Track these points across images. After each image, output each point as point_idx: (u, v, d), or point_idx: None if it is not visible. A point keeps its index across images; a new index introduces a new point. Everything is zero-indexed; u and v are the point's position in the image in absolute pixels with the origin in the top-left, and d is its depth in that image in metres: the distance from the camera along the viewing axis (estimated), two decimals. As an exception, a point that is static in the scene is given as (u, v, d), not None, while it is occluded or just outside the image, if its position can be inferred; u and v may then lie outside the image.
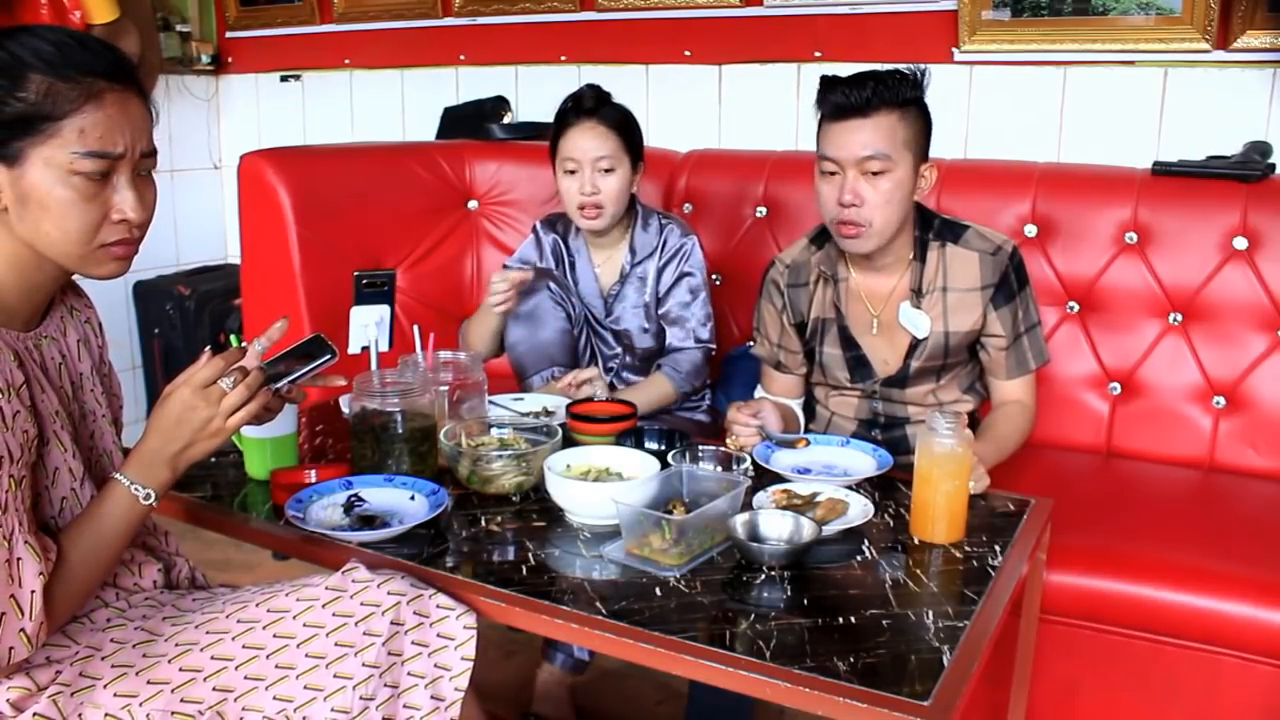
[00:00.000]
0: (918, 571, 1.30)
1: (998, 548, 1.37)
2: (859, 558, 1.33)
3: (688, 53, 2.83)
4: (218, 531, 1.50)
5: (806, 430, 1.93)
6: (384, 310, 2.00)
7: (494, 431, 1.62)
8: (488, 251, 2.69)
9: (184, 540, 1.44)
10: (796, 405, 1.95)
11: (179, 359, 3.29)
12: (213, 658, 1.17)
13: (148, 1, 2.47)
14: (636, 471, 1.48)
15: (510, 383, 2.14)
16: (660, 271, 2.10)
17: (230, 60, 3.70)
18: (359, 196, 2.53)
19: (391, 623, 1.17)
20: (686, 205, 2.54)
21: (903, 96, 1.64)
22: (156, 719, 1.13)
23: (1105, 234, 2.15)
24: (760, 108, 2.76)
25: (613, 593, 1.23)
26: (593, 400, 1.82)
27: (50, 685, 1.13)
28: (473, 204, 2.72)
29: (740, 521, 1.31)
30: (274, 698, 1.14)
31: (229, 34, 3.66)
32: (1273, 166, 2.13)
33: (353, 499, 1.44)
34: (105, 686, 1.15)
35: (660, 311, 2.11)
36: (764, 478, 1.53)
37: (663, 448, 1.60)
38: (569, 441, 1.63)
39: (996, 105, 2.48)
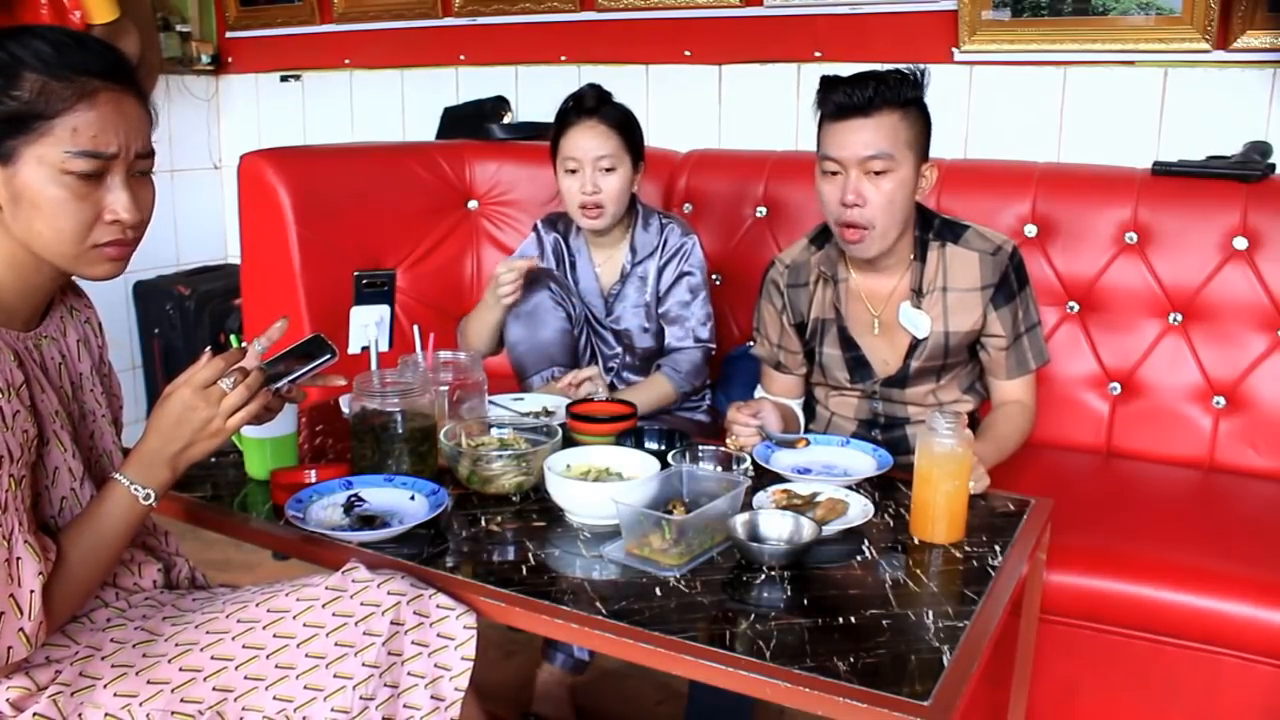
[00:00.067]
0: (918, 571, 1.30)
1: (998, 548, 1.37)
2: (859, 558, 1.33)
3: (688, 53, 2.83)
4: (218, 531, 1.50)
5: (806, 430, 1.93)
6: (384, 310, 2.00)
7: (494, 431, 1.62)
8: (488, 251, 2.69)
9: (184, 540, 1.44)
10: (796, 405, 1.95)
11: (179, 359, 3.29)
12: (213, 657, 1.17)
13: (148, 1, 2.47)
14: (636, 471, 1.48)
15: (510, 383, 2.14)
16: (661, 271, 2.10)
17: (230, 60, 3.70)
18: (359, 196, 2.53)
19: (391, 623, 1.17)
20: (686, 205, 2.54)
21: (904, 96, 1.64)
22: (157, 719, 1.13)
23: (1105, 234, 2.15)
24: (760, 108, 2.76)
25: (613, 593, 1.23)
26: (593, 400, 1.82)
27: (50, 685, 1.13)
28: (473, 204, 2.72)
29: (740, 521, 1.31)
30: (274, 698, 1.14)
31: (229, 34, 3.66)
32: (1273, 166, 2.13)
33: (353, 499, 1.44)
34: (105, 686, 1.15)
35: (660, 311, 2.11)
36: (764, 478, 1.53)
37: (663, 448, 1.60)
38: (569, 441, 1.63)
39: (996, 105, 2.48)
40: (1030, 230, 2.20)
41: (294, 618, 1.18)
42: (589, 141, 1.99)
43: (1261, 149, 2.15)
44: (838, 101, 1.64)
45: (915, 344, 1.78)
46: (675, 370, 2.07)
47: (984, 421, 1.82)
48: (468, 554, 1.34)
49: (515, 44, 3.08)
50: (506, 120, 2.99)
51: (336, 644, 1.16)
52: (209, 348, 1.24)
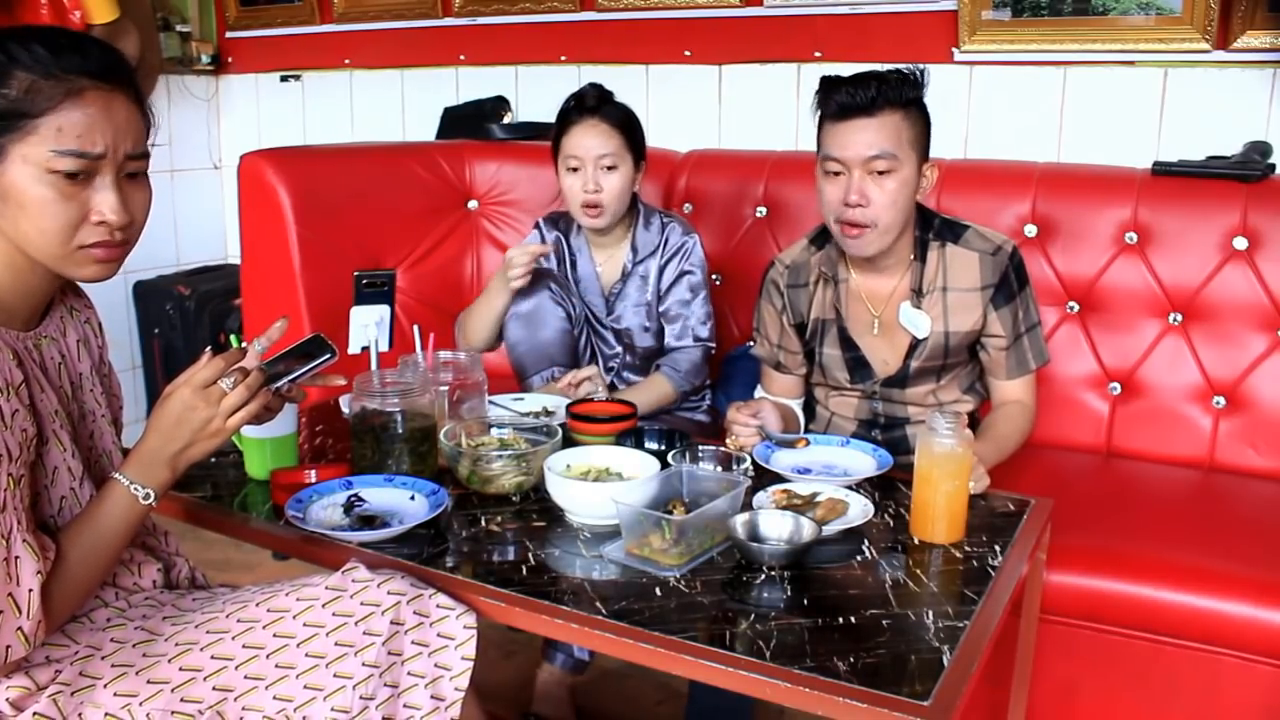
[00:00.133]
0: (918, 571, 1.30)
1: (998, 548, 1.37)
2: (859, 558, 1.33)
3: (688, 53, 2.83)
4: (218, 531, 1.50)
5: (806, 430, 1.93)
6: (384, 310, 2.00)
7: (494, 431, 1.62)
8: (488, 251, 2.69)
9: (184, 540, 1.44)
10: (796, 405, 1.95)
11: (179, 359, 3.29)
12: (213, 657, 1.17)
13: (148, 2, 2.47)
14: (636, 471, 1.48)
15: (510, 383, 2.14)
16: (661, 270, 2.10)
17: (230, 60, 3.70)
18: (359, 196, 2.53)
19: (391, 622, 1.17)
20: (686, 205, 2.54)
21: (906, 96, 1.64)
22: (157, 718, 1.13)
23: (1105, 234, 2.15)
24: (760, 108, 2.76)
25: (613, 593, 1.23)
26: (593, 400, 1.82)
27: (50, 685, 1.13)
28: (473, 204, 2.72)
29: (740, 521, 1.31)
30: (274, 697, 1.14)
31: (229, 34, 3.66)
32: (1273, 166, 2.13)
33: (353, 499, 1.44)
34: (105, 686, 1.15)
35: (660, 310, 2.11)
36: (764, 478, 1.53)
37: (663, 448, 1.60)
38: (569, 441, 1.63)
39: (996, 105, 2.48)
40: (1030, 230, 2.20)
41: (294, 617, 1.18)
42: (591, 140, 1.99)
43: (1261, 149, 2.15)
44: (840, 101, 1.64)
45: (915, 344, 1.78)
46: (675, 370, 2.07)
47: (984, 421, 1.82)
48: (468, 554, 1.34)
49: (515, 44, 3.08)
50: (506, 120, 2.99)
51: (336, 644, 1.16)
52: (209, 348, 1.24)
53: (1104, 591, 1.63)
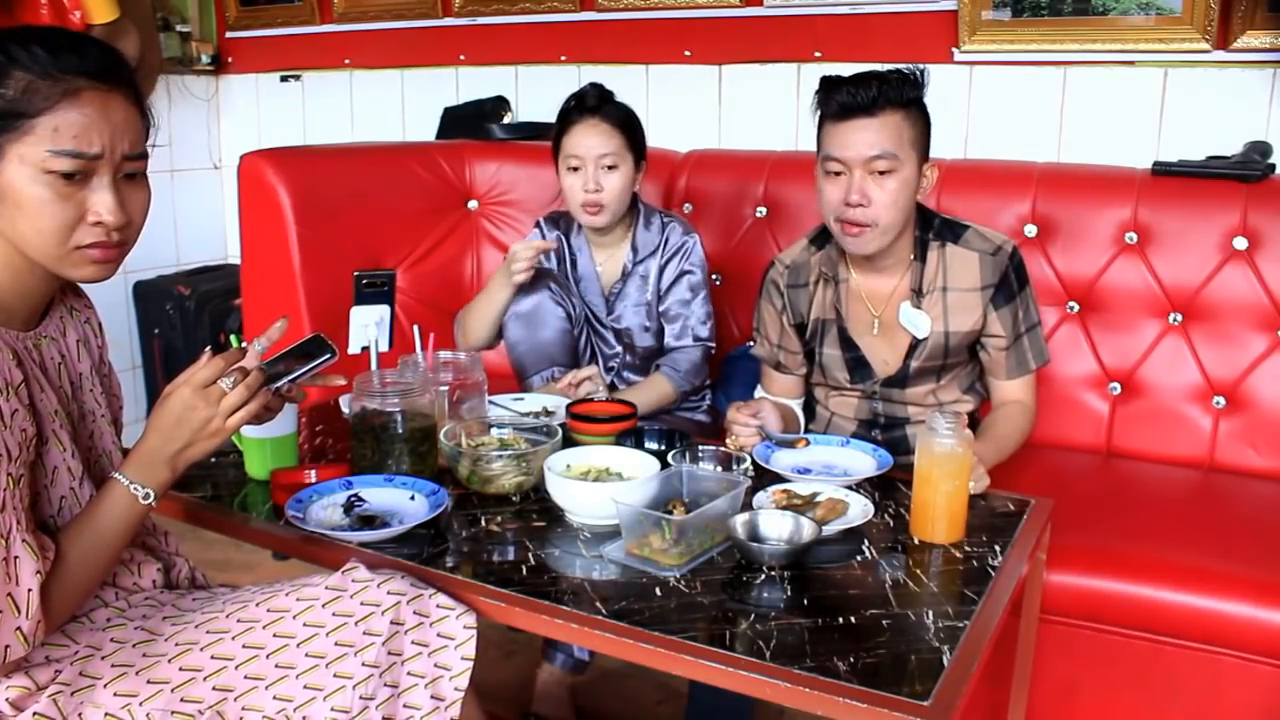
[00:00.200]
0: (918, 571, 1.30)
1: (998, 548, 1.37)
2: (859, 558, 1.33)
3: (688, 53, 2.83)
4: (218, 531, 1.50)
5: (806, 430, 1.93)
6: (384, 310, 2.00)
7: (494, 431, 1.62)
8: (488, 251, 2.69)
9: (184, 540, 1.44)
10: (796, 405, 1.95)
11: (179, 359, 3.29)
12: (213, 657, 1.17)
13: (148, 2, 2.47)
14: (636, 471, 1.48)
15: (510, 383, 2.14)
16: (662, 269, 2.10)
17: (230, 60, 3.70)
18: (359, 196, 2.53)
19: (391, 622, 1.17)
20: (686, 205, 2.54)
21: (906, 96, 1.64)
22: (157, 718, 1.13)
23: (1105, 234, 2.15)
24: (760, 108, 2.76)
25: (613, 593, 1.23)
26: (593, 400, 1.82)
27: (50, 684, 1.13)
28: (473, 204, 2.72)
29: (740, 521, 1.31)
30: (274, 697, 1.14)
31: (229, 34, 3.66)
32: (1273, 166, 2.13)
33: (353, 499, 1.44)
34: (105, 686, 1.15)
35: (660, 309, 2.11)
36: (764, 478, 1.53)
37: (663, 448, 1.60)
38: (569, 441, 1.63)
39: (996, 105, 2.48)
40: (1030, 230, 2.20)
41: (294, 617, 1.18)
42: (591, 139, 1.99)
43: (1261, 149, 2.15)
44: (841, 101, 1.64)
45: (915, 344, 1.78)
46: (674, 369, 2.07)
47: (984, 421, 1.82)
48: (468, 554, 1.34)
49: (515, 44, 3.08)
50: (506, 120, 2.99)
51: (336, 644, 1.16)
52: (209, 347, 1.24)
53: (1104, 591, 1.63)
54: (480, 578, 1.26)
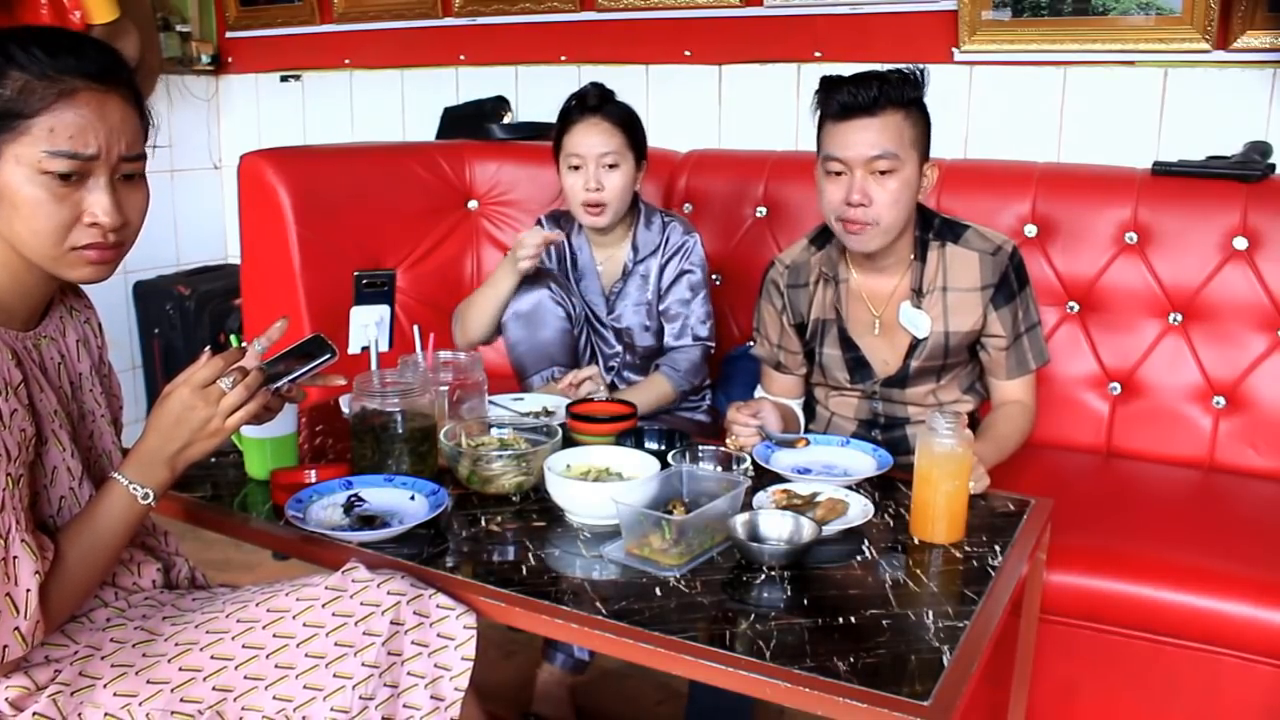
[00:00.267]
0: (918, 571, 1.30)
1: (998, 548, 1.37)
2: (859, 558, 1.33)
3: (688, 53, 2.83)
4: (218, 531, 1.50)
5: (806, 430, 1.93)
6: (384, 310, 2.00)
7: (494, 431, 1.62)
8: (488, 251, 2.69)
9: (184, 540, 1.44)
10: (796, 405, 1.95)
11: (179, 359, 3.29)
12: (212, 657, 1.17)
13: (148, 2, 2.47)
14: (636, 471, 1.48)
15: (510, 383, 2.14)
16: (662, 269, 2.10)
17: (230, 60, 3.70)
18: (359, 196, 2.53)
19: (391, 622, 1.17)
20: (686, 205, 2.54)
21: (907, 96, 1.64)
22: (156, 718, 1.13)
23: (1105, 234, 2.15)
24: (760, 108, 2.76)
25: (613, 593, 1.23)
26: (593, 400, 1.82)
27: (50, 684, 1.13)
28: (473, 204, 2.72)
29: (740, 521, 1.31)
30: (274, 697, 1.14)
31: (229, 34, 3.66)
32: (1273, 166, 2.13)
33: (353, 499, 1.44)
34: (105, 686, 1.15)
35: (660, 308, 2.11)
36: (764, 478, 1.53)
37: (663, 448, 1.59)
38: (569, 441, 1.63)
39: (996, 105, 2.48)
40: (1030, 230, 2.20)
41: (294, 617, 1.18)
42: (593, 138, 1.99)
43: (1261, 149, 2.15)
44: (842, 101, 1.63)
45: (915, 344, 1.78)
46: (674, 369, 2.07)
47: (984, 421, 1.82)
48: (468, 554, 1.34)
49: (515, 44, 3.08)
50: (506, 120, 2.99)
51: (336, 644, 1.16)
52: (208, 347, 1.24)
53: (1104, 591, 1.63)
54: (480, 578, 1.26)
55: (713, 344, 2.12)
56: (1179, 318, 2.10)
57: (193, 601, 1.29)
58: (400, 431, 1.52)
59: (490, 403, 1.80)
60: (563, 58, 3.01)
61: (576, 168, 2.01)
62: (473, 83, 3.17)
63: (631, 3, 2.86)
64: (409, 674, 1.18)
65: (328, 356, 1.28)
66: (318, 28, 3.45)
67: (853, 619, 1.17)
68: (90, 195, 1.11)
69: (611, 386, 2.11)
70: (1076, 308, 2.19)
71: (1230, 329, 2.06)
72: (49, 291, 1.22)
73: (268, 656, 1.16)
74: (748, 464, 1.55)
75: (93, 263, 1.14)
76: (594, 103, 2.01)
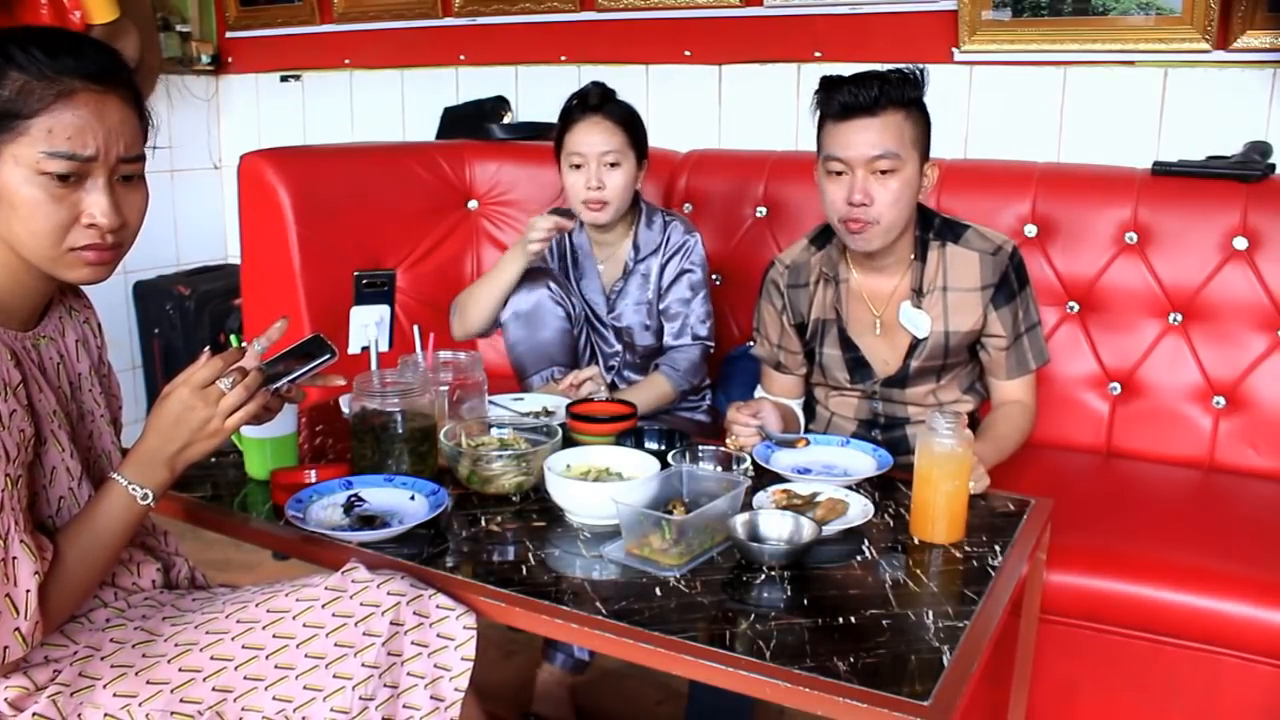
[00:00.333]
0: (918, 571, 1.30)
1: (998, 548, 1.37)
2: (859, 558, 1.33)
3: (688, 53, 2.83)
4: (218, 531, 1.50)
5: (806, 430, 1.93)
6: (384, 310, 2.00)
7: (494, 431, 1.62)
8: (488, 251, 2.69)
9: (184, 540, 1.44)
10: (796, 405, 1.95)
11: (179, 359, 3.29)
12: (212, 658, 1.17)
13: (148, 2, 2.47)
14: (636, 471, 1.48)
15: (510, 383, 2.14)
16: (663, 268, 2.10)
17: (230, 60, 3.70)
18: (359, 196, 2.53)
19: (391, 623, 1.17)
20: (686, 205, 2.54)
21: (907, 95, 1.64)
22: (156, 719, 1.13)
23: (1105, 234, 2.15)
24: (760, 108, 2.76)
25: (613, 593, 1.23)
26: (593, 400, 1.82)
27: (49, 685, 1.13)
28: (473, 204, 2.72)
29: (740, 521, 1.31)
30: (273, 698, 1.14)
31: (229, 34, 3.66)
32: (1273, 166, 2.13)
33: (353, 499, 1.44)
34: (105, 686, 1.15)
35: (661, 307, 2.11)
36: (764, 478, 1.53)
37: (663, 448, 1.59)
38: (569, 441, 1.63)
39: (996, 105, 2.48)
40: (1030, 230, 2.20)
41: (294, 618, 1.18)
42: (594, 137, 1.99)
43: (1261, 149, 2.15)
44: (843, 101, 1.63)
45: (915, 344, 1.78)
46: (673, 369, 2.07)
47: (984, 421, 1.82)
48: (468, 554, 1.34)
49: (515, 44, 3.08)
50: (506, 120, 2.99)
51: (336, 644, 1.16)
52: (208, 348, 1.24)
53: (1104, 591, 1.63)
54: (480, 578, 1.26)
55: (712, 344, 2.12)
56: (1179, 318, 2.10)
57: (192, 602, 1.29)
58: (400, 431, 1.52)
59: (490, 403, 1.80)
60: (563, 58, 3.01)
61: (578, 166, 2.01)
62: (473, 83, 3.17)
63: (631, 3, 2.86)
64: (409, 674, 1.18)
65: (327, 356, 1.28)
66: (318, 28, 3.45)
67: (853, 619, 1.17)
68: (89, 196, 1.11)
69: (611, 386, 2.11)
70: (1076, 308, 2.19)
71: (1230, 329, 2.06)
72: (48, 292, 1.22)
73: (267, 657, 1.16)
74: (748, 464, 1.55)
75: (91, 264, 1.14)
76: (595, 102, 2.01)
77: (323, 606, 1.18)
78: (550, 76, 3.02)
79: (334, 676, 1.15)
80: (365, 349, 1.84)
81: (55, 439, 1.17)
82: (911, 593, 1.24)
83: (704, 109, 2.83)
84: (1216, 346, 2.07)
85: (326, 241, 2.41)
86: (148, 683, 1.15)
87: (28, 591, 1.06)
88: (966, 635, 1.14)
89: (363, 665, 1.15)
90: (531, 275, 2.07)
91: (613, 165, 1.99)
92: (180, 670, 1.16)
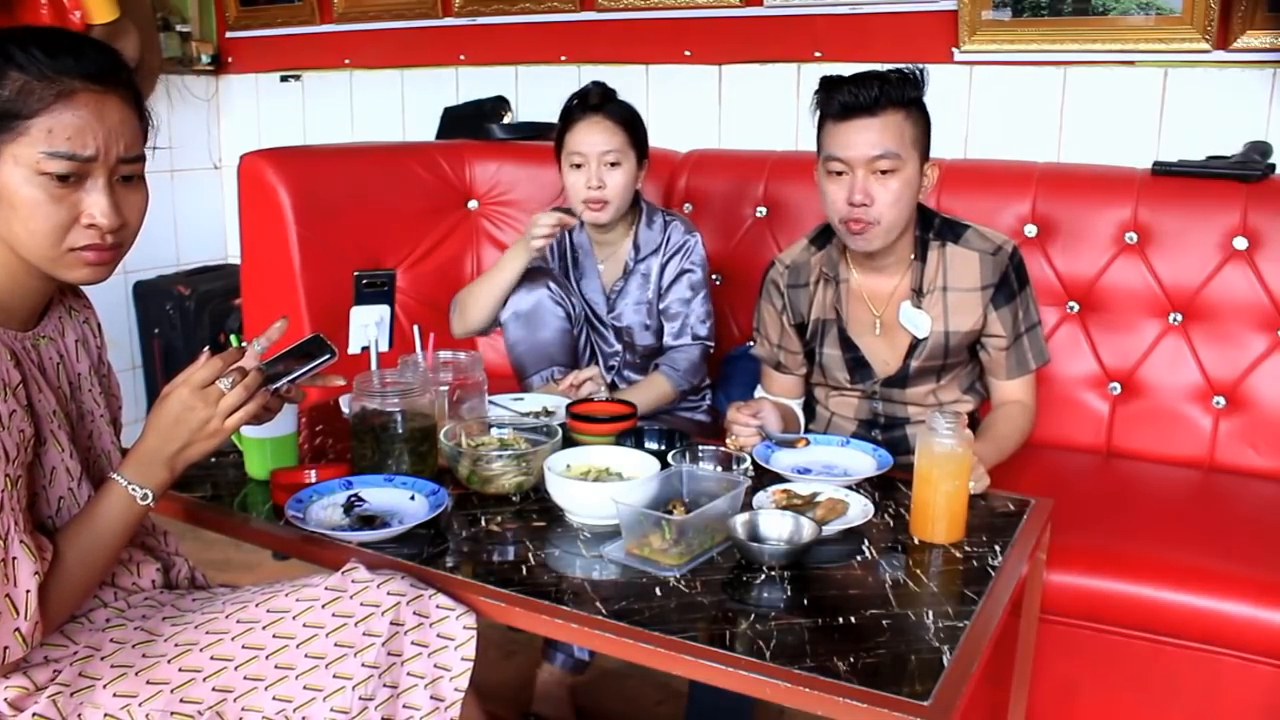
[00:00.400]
0: (918, 571, 1.30)
1: (998, 548, 1.37)
2: (859, 558, 1.33)
3: (688, 53, 2.83)
4: (218, 531, 1.50)
5: (806, 430, 1.93)
6: (384, 310, 2.00)
7: (494, 431, 1.62)
8: (488, 251, 2.69)
9: (184, 540, 1.44)
10: (796, 405, 1.95)
11: (179, 359, 3.29)
12: (212, 658, 1.17)
13: (148, 2, 2.47)
14: (636, 471, 1.48)
15: (510, 383, 2.14)
16: (663, 268, 2.10)
17: (230, 60, 3.70)
18: (359, 196, 2.53)
19: (391, 623, 1.17)
20: (686, 205, 2.54)
21: (907, 96, 1.64)
22: (156, 719, 1.13)
23: (1105, 234, 2.15)
24: (760, 108, 2.76)
25: (613, 593, 1.23)
26: (593, 400, 1.82)
27: (49, 685, 1.13)
28: (473, 204, 2.72)
29: (740, 521, 1.31)
30: (273, 698, 1.14)
31: (229, 34, 3.66)
32: (1273, 166, 2.13)
33: (353, 499, 1.44)
34: (105, 686, 1.15)
35: (661, 307, 2.11)
36: (764, 478, 1.53)
37: (663, 448, 1.59)
38: (569, 441, 1.63)
39: (996, 105, 2.48)
40: (1030, 230, 2.20)
41: (294, 618, 1.18)
42: (595, 136, 1.99)
43: (1261, 149, 2.15)
44: (843, 101, 1.63)
45: (915, 344, 1.78)
46: (673, 368, 2.07)
47: (984, 421, 1.82)
48: (468, 554, 1.34)
49: (515, 44, 3.08)
50: (506, 120, 2.99)
51: (336, 644, 1.16)
52: (208, 348, 1.24)
53: (1104, 591, 1.63)
54: (480, 578, 1.26)
55: (712, 343, 2.12)
56: (1179, 318, 2.10)
57: (192, 602, 1.29)
58: (400, 431, 1.52)
59: (490, 403, 1.80)
60: (563, 58, 3.01)
61: (579, 166, 2.01)
62: (473, 83, 3.17)
63: (631, 3, 2.86)
64: (409, 674, 1.18)
65: (327, 356, 1.28)
66: (318, 28, 3.45)
67: (853, 619, 1.17)
68: (88, 196, 1.11)
69: (611, 386, 2.11)
70: (1076, 308, 2.19)
71: (1230, 329, 2.06)
72: (48, 292, 1.22)
73: (267, 657, 1.16)
74: (748, 464, 1.55)
75: (91, 264, 1.14)
76: (596, 101, 2.01)
77: (323, 606, 1.18)
78: (550, 76, 3.02)
79: (334, 676, 1.15)
80: (365, 349, 1.84)
81: (55, 439, 1.17)
82: (911, 593, 1.24)
83: (704, 109, 2.83)
84: (1216, 346, 2.07)
85: (326, 241, 2.41)
86: (148, 683, 1.15)
87: (28, 592, 1.06)
88: (966, 635, 1.14)
89: (363, 665, 1.15)
90: (531, 275, 2.07)
91: (613, 165, 2.00)
92: (180, 670, 1.16)
